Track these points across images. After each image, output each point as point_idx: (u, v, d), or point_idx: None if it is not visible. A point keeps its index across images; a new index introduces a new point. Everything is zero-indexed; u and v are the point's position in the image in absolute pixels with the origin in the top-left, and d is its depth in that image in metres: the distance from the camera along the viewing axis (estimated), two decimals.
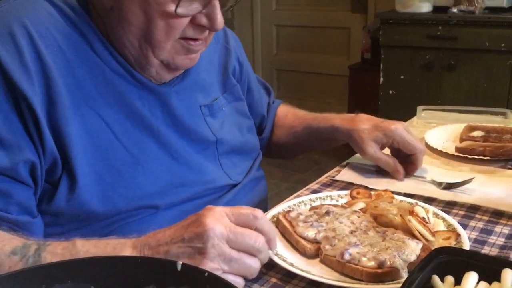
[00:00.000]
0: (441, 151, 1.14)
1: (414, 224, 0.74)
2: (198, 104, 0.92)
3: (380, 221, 0.79)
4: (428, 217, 0.79)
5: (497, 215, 0.85)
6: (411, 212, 0.77)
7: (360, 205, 0.85)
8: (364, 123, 1.01)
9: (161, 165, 0.84)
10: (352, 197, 0.90)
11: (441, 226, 0.79)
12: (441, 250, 0.60)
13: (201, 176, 0.89)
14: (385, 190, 0.90)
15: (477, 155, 1.09)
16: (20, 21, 0.73)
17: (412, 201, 0.86)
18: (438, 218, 0.81)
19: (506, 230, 0.80)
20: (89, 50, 0.78)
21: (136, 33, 0.77)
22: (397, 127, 0.99)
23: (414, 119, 1.40)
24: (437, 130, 1.26)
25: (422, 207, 0.82)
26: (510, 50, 2.39)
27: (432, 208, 0.83)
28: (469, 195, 0.93)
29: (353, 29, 3.66)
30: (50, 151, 0.73)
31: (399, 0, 2.71)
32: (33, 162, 0.72)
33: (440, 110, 1.45)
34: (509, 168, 1.06)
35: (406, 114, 1.48)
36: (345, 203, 0.88)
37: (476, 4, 2.48)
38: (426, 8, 2.65)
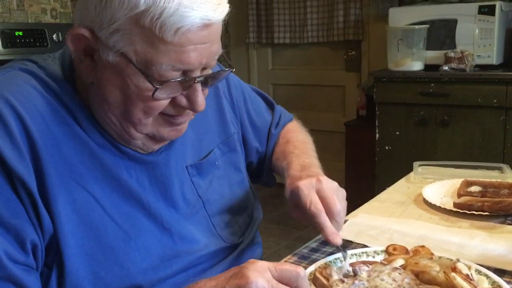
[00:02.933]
0: (439, 206, 1.13)
1: (459, 281, 0.72)
2: (185, 164, 0.90)
3: (423, 278, 0.77)
4: (471, 274, 0.77)
5: (500, 272, 0.83)
6: (454, 269, 0.75)
7: (400, 261, 0.83)
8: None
9: (153, 238, 0.81)
10: (389, 253, 0.88)
11: (485, 283, 0.77)
12: None
13: (193, 244, 0.87)
14: (422, 246, 0.88)
15: (476, 211, 1.08)
16: (6, 99, 0.71)
17: (453, 257, 0.83)
18: (481, 274, 0.79)
19: None
20: (74, 125, 0.76)
21: (115, 111, 0.76)
22: (299, 186, 0.87)
23: (411, 174, 1.40)
24: (435, 186, 1.26)
25: (464, 264, 0.80)
26: (502, 106, 2.43)
27: (474, 265, 0.81)
28: (471, 252, 0.91)
29: (348, 87, 3.74)
30: (47, 231, 0.71)
31: (391, 59, 2.79)
32: (35, 245, 0.71)
33: (437, 166, 1.46)
34: (509, 224, 1.05)
35: (402, 169, 1.49)
36: (383, 260, 0.86)
37: (466, 62, 2.55)
38: (417, 66, 2.72)
